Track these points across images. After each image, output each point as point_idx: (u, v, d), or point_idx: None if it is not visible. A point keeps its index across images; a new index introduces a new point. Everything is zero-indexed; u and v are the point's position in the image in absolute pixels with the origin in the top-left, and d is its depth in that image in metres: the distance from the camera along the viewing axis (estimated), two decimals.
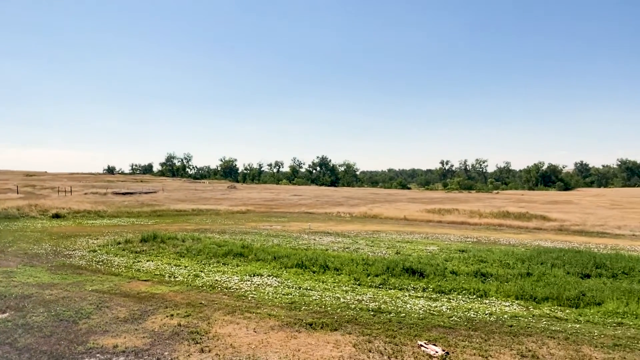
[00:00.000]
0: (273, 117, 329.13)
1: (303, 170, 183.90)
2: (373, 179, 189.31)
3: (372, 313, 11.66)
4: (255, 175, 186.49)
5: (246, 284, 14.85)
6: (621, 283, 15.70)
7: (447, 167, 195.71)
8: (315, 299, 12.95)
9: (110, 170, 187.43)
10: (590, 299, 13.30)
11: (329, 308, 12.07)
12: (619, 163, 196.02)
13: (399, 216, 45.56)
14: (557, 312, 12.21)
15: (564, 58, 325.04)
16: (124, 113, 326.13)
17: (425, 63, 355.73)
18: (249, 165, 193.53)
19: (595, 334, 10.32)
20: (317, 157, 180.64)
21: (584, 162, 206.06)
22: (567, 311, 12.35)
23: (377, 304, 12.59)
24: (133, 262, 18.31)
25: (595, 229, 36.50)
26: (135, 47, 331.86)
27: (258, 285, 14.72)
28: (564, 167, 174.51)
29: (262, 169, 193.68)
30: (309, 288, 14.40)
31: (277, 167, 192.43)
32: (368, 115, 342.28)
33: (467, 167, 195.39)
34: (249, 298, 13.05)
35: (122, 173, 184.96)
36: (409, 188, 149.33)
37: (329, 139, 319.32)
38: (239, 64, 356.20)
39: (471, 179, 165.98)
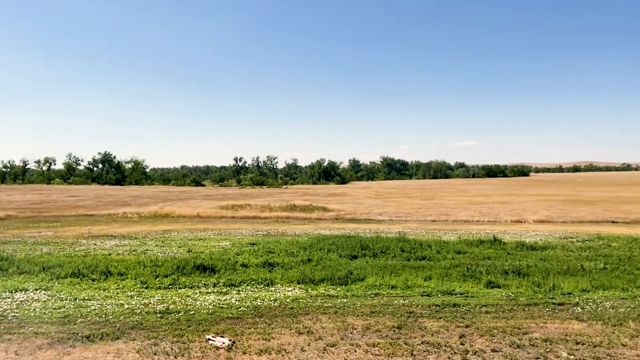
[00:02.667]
0: (43, 107, 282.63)
1: (81, 167, 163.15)
2: (165, 177, 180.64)
3: (160, 315, 11.31)
4: (18, 174, 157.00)
5: (5, 302, 12.59)
6: (379, 260, 18.85)
7: (240, 164, 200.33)
8: (95, 309, 11.85)
9: None
10: (356, 276, 15.61)
11: (110, 317, 11.21)
12: (382, 160, 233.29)
13: (192, 214, 44.78)
14: (330, 291, 13.97)
15: (340, 68, 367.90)
16: None
17: (219, 58, 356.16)
18: (9, 162, 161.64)
19: (358, 305, 12.22)
20: (99, 153, 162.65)
21: (356, 159, 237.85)
22: (338, 289, 14.24)
23: (165, 305, 12.26)
24: None
25: (364, 217, 42.66)
26: None
27: (22, 302, 12.65)
28: (340, 163, 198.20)
29: (27, 166, 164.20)
30: (87, 298, 13.06)
31: (48, 164, 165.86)
32: (159, 110, 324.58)
33: (260, 163, 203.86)
34: (9, 318, 11.13)
35: None
36: (203, 185, 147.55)
37: (114, 134, 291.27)
38: None
39: (263, 175, 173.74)
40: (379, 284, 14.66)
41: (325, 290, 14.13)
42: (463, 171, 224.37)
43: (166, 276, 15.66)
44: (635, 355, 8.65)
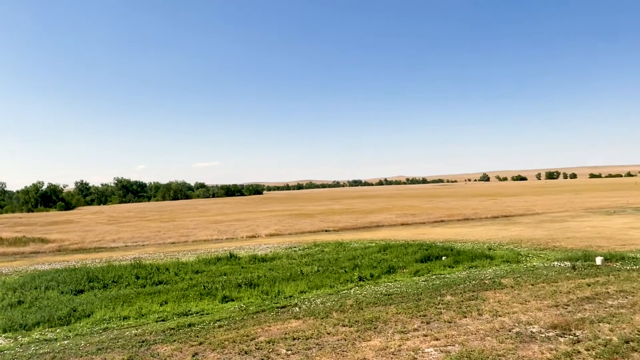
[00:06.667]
0: None
1: None
2: None
3: None
4: None
5: None
6: (111, 291, 17.40)
7: None
8: None
9: None
10: (81, 313, 13.99)
11: None
12: (116, 182, 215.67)
13: None
14: (47, 335, 12.09)
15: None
16: None
17: None
18: None
19: (82, 344, 10.98)
20: None
21: (84, 181, 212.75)
22: (59, 330, 12.48)
23: None
24: None
25: (94, 245, 38.48)
26: None
27: None
28: (65, 187, 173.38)
29: None
30: None
31: None
32: None
33: None
34: None
35: None
36: None
37: None
38: None
39: None
40: (108, 317, 13.54)
41: (41, 334, 12.16)
42: (203, 191, 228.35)
43: None
44: (336, 340, 10.54)
